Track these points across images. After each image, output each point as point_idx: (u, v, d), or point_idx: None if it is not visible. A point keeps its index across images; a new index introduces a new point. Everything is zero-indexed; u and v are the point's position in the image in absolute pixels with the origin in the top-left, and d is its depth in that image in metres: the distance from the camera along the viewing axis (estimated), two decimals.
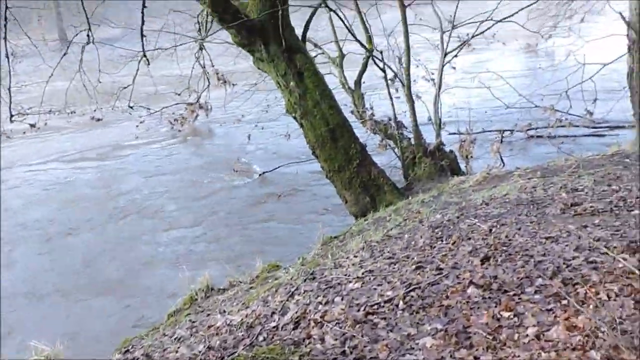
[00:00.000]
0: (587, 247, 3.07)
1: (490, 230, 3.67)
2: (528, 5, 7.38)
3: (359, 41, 7.41)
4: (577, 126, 8.97)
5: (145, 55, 8.07)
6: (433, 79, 9.02)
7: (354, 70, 8.73)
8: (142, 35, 8.27)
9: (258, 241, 6.93)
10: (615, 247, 2.99)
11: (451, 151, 7.23)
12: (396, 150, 7.38)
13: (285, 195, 8.62)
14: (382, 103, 8.58)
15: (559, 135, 8.61)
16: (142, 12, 8.02)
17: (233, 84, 12.24)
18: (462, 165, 7.30)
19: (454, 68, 10.55)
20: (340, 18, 7.25)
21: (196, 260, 6.47)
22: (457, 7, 7.39)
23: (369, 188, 6.69)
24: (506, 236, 3.48)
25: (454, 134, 8.34)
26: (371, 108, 7.99)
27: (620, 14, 7.37)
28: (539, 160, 7.05)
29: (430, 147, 7.03)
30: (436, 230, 3.94)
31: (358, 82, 8.49)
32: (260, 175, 9.53)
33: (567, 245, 3.15)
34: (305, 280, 3.58)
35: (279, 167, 9.44)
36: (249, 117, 12.48)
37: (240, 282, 4.49)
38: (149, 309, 6.03)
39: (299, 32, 6.83)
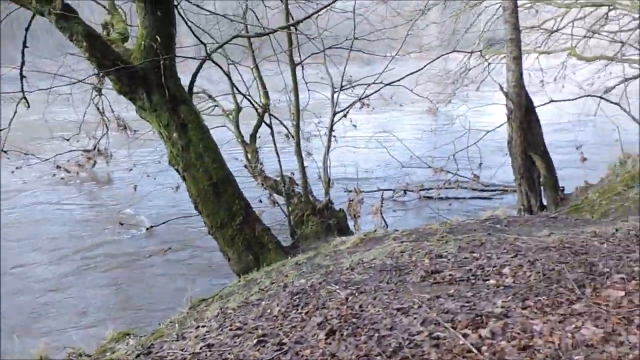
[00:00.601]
0: (434, 321, 2.93)
1: (347, 298, 3.46)
2: (413, 72, 7.68)
3: (244, 95, 7.31)
4: (465, 188, 9.31)
5: (24, 97, 7.62)
6: (334, 136, 9.08)
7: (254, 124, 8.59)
8: (22, 76, 7.84)
9: (128, 303, 6.34)
10: (460, 321, 2.87)
11: (341, 210, 7.15)
12: (287, 206, 7.19)
13: (172, 251, 8.09)
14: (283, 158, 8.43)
15: (449, 197, 8.86)
16: (23, 52, 7.59)
17: (134, 130, 11.72)
18: (352, 224, 7.24)
19: (355, 126, 10.77)
20: (226, 73, 7.13)
21: (47, 327, 5.74)
22: (345, 68, 7.54)
23: (252, 246, 6.42)
24: (360, 306, 3.29)
25: (348, 191, 8.34)
26: (261, 163, 7.83)
27: (500, 85, 7.87)
28: (429, 221, 7.15)
29: (319, 205, 6.91)
30: (295, 297, 3.69)
31: (253, 136, 8.35)
32: (147, 229, 8.95)
33: (415, 318, 3.00)
34: (138, 356, 3.16)
35: (167, 221, 8.92)
36: (146, 167, 11.88)
37: (81, 355, 3.95)
38: None
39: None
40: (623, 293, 2.99)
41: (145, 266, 7.57)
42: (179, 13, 5.96)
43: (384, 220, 7.12)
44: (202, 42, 6.23)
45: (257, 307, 3.71)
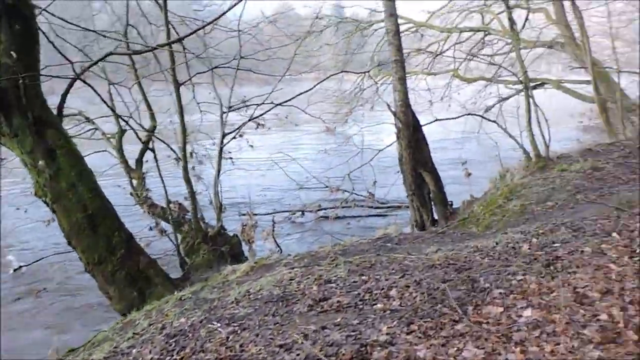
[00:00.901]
0: (317, 357, 2.73)
1: (228, 337, 3.17)
2: (302, 93, 7.61)
3: (124, 119, 6.82)
4: (362, 206, 9.37)
5: None
6: (231, 158, 8.69)
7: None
8: None
9: None
10: (344, 354, 2.69)
11: (234, 235, 6.82)
12: (175, 235, 6.72)
13: (46, 292, 7.23)
14: (175, 184, 7.90)
15: (346, 216, 8.84)
16: None
17: (2, 158, 10.53)
18: (247, 250, 6.92)
19: (252, 147, 10.48)
20: (98, 93, 6.59)
21: None
22: (232, 88, 7.30)
23: (136, 281, 5.88)
24: (241, 345, 3.01)
25: (241, 215, 8.02)
26: (148, 190, 7.30)
27: (388, 104, 8.03)
28: (325, 242, 7.00)
29: (211, 232, 6.53)
30: (171, 341, 3.33)
31: (139, 161, 7.78)
32: (15, 270, 7.95)
33: (298, 355, 2.79)
34: None
35: (40, 259, 7.97)
36: (14, 198, 10.71)
37: None
38: None
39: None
40: (502, 309, 3.00)
41: (12, 313, 6.65)
42: (40, 29, 5.37)
43: (277, 245, 6.88)
44: (70, 61, 5.66)
45: (127, 356, 3.30)
